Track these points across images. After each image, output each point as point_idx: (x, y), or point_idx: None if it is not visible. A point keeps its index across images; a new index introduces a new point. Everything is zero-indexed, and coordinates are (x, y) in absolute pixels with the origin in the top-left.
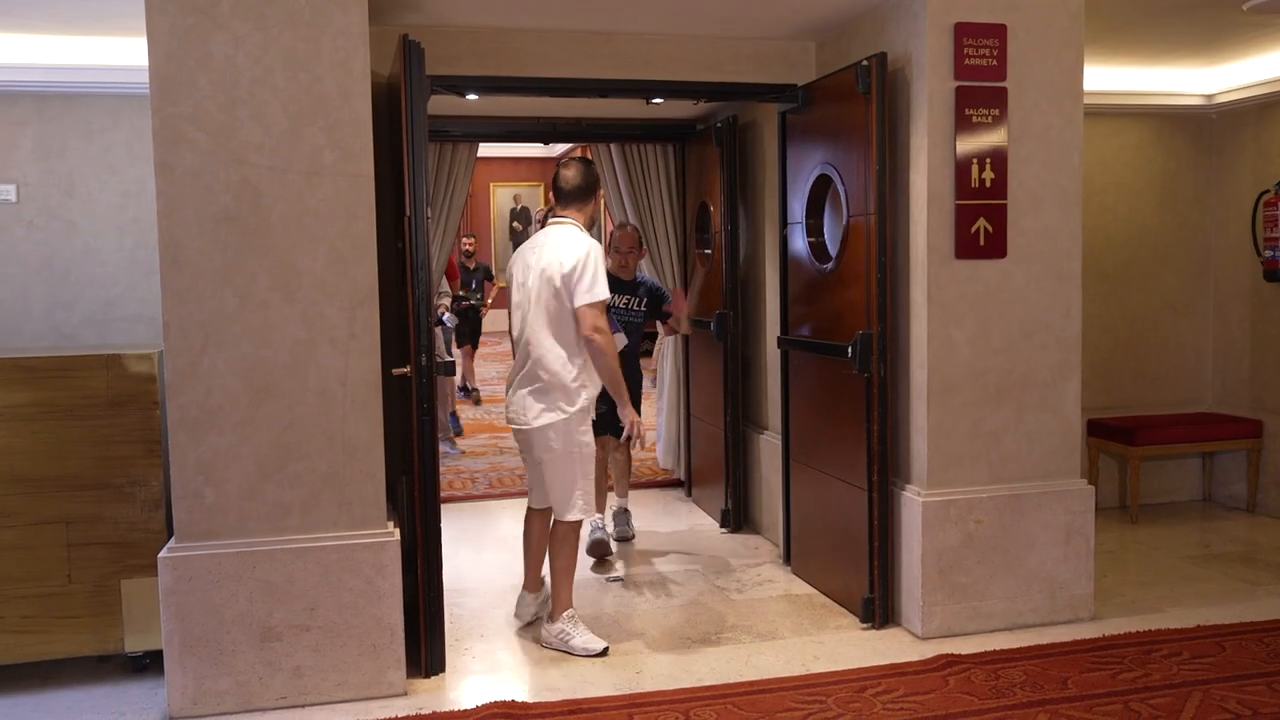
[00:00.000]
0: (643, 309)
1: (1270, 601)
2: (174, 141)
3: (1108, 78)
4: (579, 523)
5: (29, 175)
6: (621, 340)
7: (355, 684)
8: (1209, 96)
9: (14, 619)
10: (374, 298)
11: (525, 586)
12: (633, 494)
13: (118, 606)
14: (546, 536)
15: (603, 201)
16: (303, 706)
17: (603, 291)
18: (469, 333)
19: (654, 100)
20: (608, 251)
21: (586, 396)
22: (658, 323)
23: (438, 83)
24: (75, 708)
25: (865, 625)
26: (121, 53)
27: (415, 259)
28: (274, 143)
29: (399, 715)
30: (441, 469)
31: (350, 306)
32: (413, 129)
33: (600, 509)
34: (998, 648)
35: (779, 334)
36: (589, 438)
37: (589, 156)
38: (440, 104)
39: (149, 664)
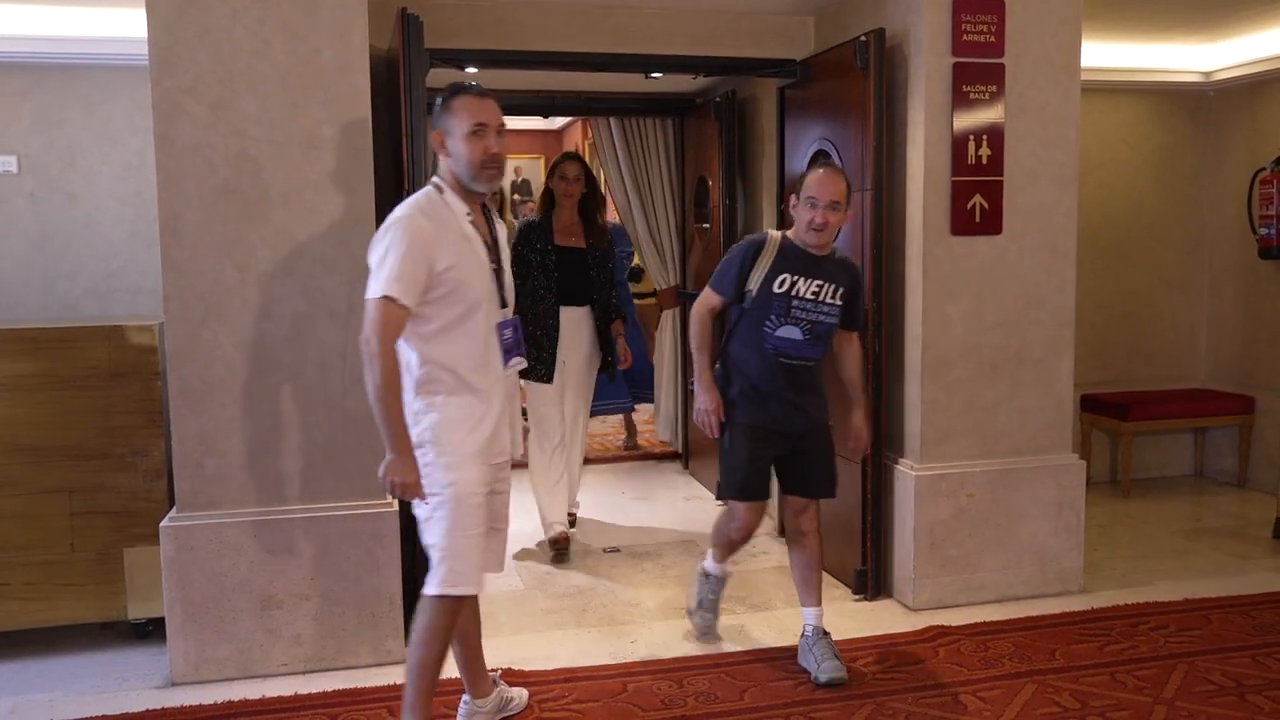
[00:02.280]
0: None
1: (1258, 575)
2: (173, 114)
3: (1106, 54)
4: (448, 601)
5: (30, 147)
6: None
7: (354, 652)
8: (1207, 73)
9: (18, 586)
10: None
11: (470, 693)
12: (631, 466)
13: (120, 574)
14: (471, 619)
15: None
16: (303, 673)
17: (388, 279)
18: None
19: (653, 75)
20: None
21: (430, 423)
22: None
23: (437, 56)
24: (79, 673)
25: (858, 597)
26: (121, 24)
27: None
28: (273, 116)
29: (397, 682)
30: None
31: (349, 280)
32: (411, 103)
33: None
34: (987, 619)
35: None
36: (454, 476)
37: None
38: (440, 77)
39: (151, 631)
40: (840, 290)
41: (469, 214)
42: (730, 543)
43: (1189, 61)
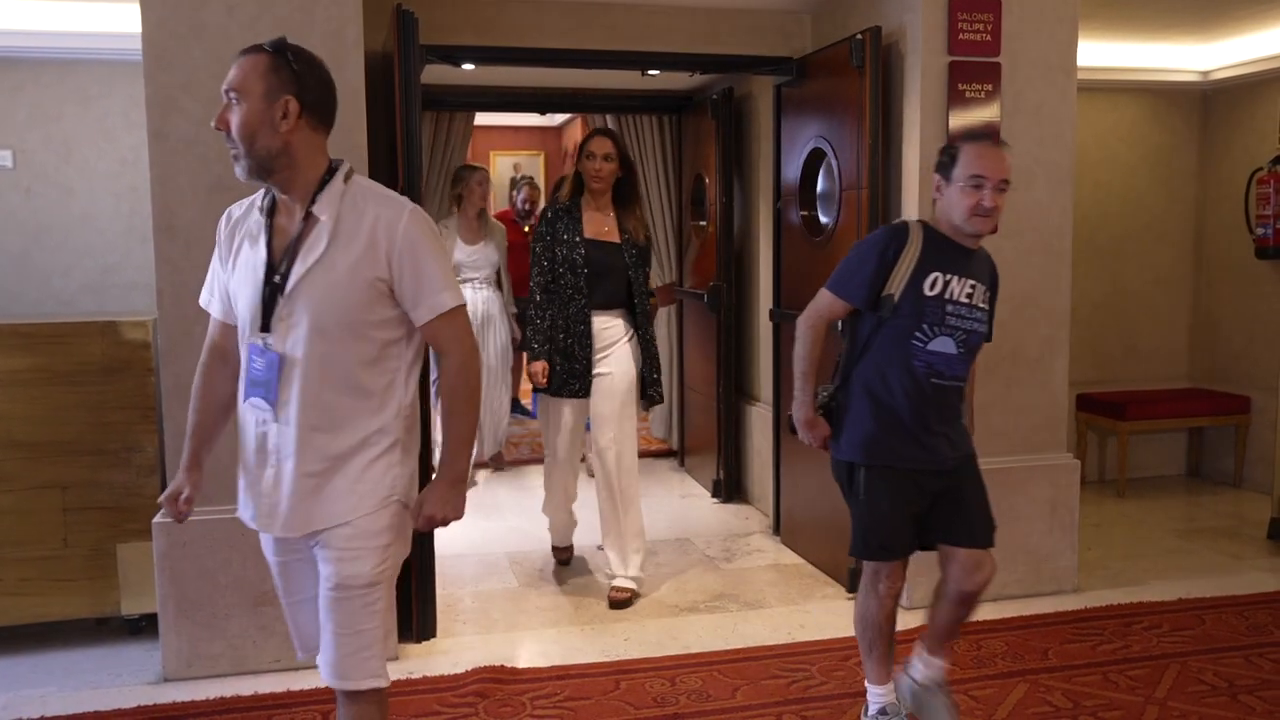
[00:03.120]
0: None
1: (1253, 575)
2: (167, 110)
3: (1102, 53)
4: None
5: (26, 141)
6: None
7: None
8: (1204, 73)
9: (12, 581)
10: None
11: None
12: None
13: (114, 570)
14: None
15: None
16: (295, 670)
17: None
18: None
19: (649, 72)
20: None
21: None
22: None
23: (432, 53)
24: (72, 669)
25: (851, 595)
26: (117, 19)
27: None
28: None
29: (390, 679)
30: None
31: None
32: (406, 100)
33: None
34: (980, 618)
35: (772, 306)
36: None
37: None
38: (436, 73)
39: (145, 626)
40: (986, 292)
41: (260, 207)
42: (880, 626)
43: (1186, 61)
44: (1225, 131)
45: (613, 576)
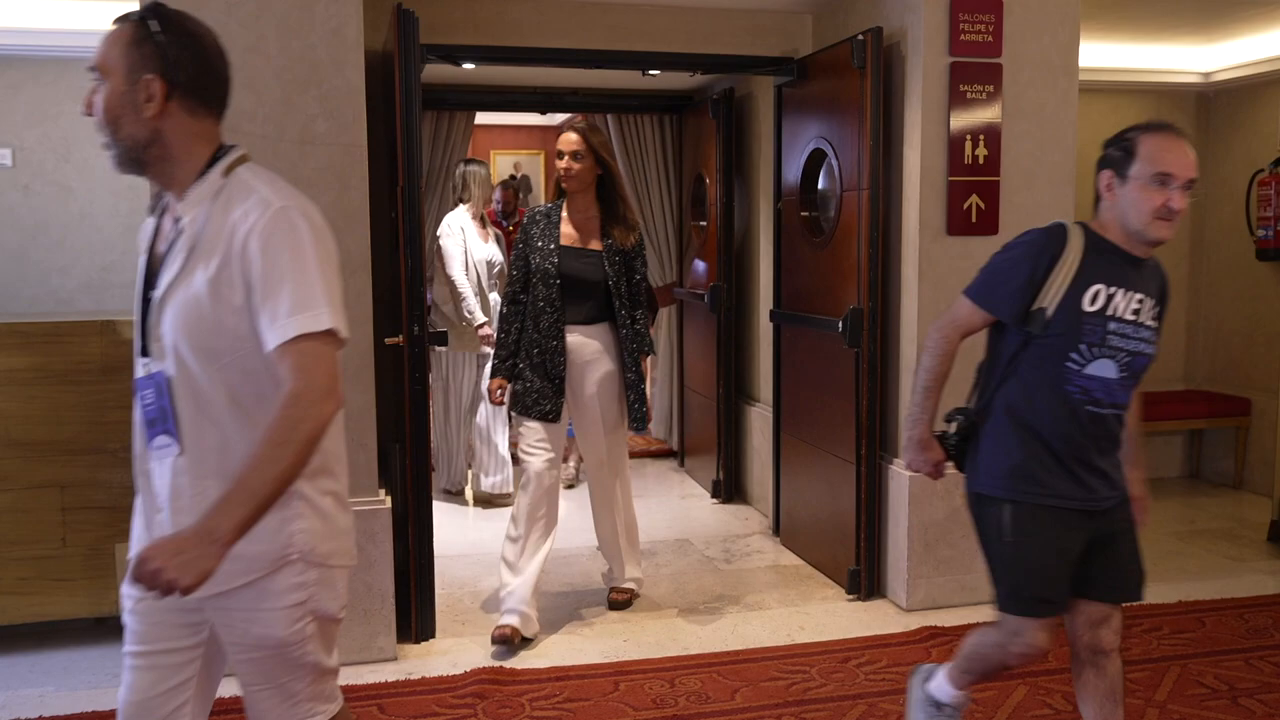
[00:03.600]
0: None
1: (1253, 578)
2: None
3: (1104, 54)
4: None
5: (25, 140)
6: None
7: (346, 649)
8: (1206, 74)
9: (10, 581)
10: (366, 268)
11: None
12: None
13: (112, 570)
14: None
15: None
16: None
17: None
18: None
19: (650, 72)
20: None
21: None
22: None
23: (432, 52)
24: (70, 669)
25: (851, 597)
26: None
27: (409, 229)
28: (267, 111)
29: (389, 680)
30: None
31: (343, 276)
32: (406, 99)
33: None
34: (980, 620)
35: (772, 307)
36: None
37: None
38: (437, 72)
39: None
40: (1155, 307)
41: (164, 205)
42: (992, 667)
43: (1188, 62)
44: (1226, 133)
45: (611, 578)
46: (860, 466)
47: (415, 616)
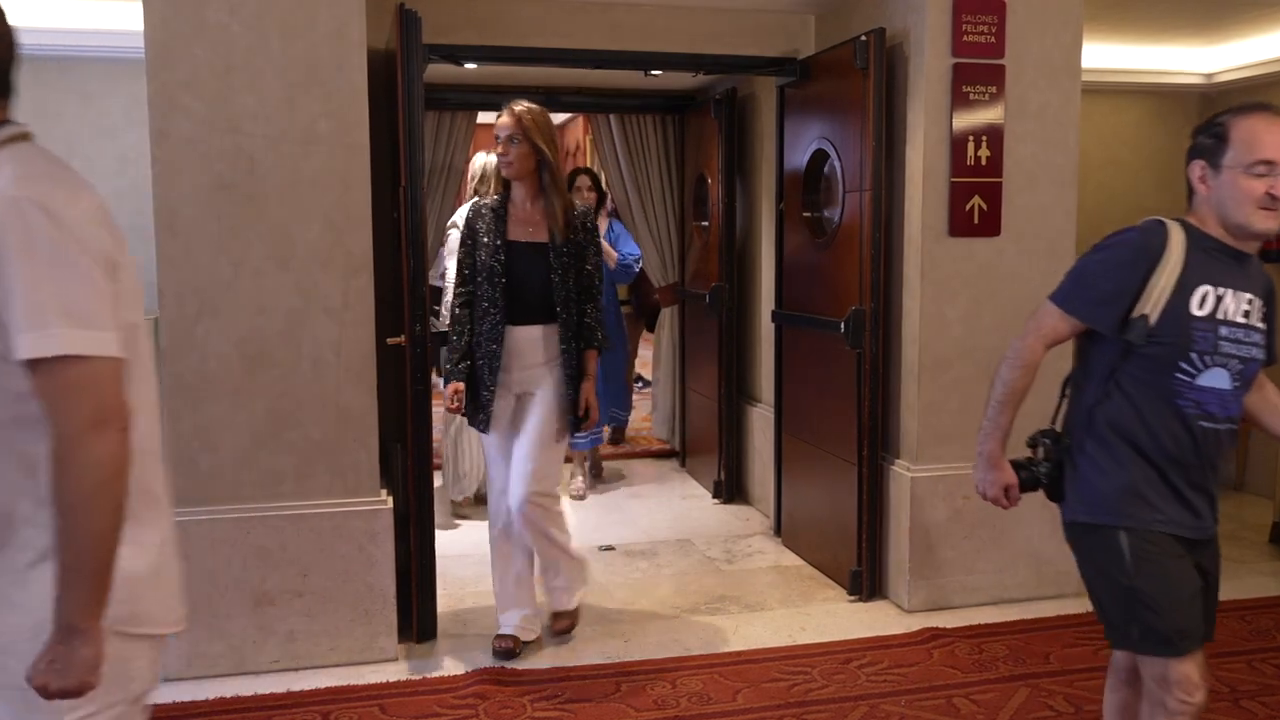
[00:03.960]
0: None
1: (1254, 580)
2: (169, 109)
3: (1107, 55)
4: None
5: None
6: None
7: (347, 649)
8: (1208, 75)
9: None
10: (368, 268)
11: None
12: (629, 464)
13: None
14: None
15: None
16: (295, 670)
17: None
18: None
19: (652, 72)
20: None
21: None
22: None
23: (434, 52)
24: None
25: (853, 598)
26: (119, 17)
27: (411, 229)
28: (269, 111)
29: (390, 680)
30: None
31: (345, 276)
32: (409, 99)
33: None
34: (982, 621)
35: (774, 308)
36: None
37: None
38: (439, 72)
39: None
40: (1264, 306)
41: None
42: None
43: (1190, 63)
44: None
45: (553, 611)
46: (862, 467)
47: (416, 617)
